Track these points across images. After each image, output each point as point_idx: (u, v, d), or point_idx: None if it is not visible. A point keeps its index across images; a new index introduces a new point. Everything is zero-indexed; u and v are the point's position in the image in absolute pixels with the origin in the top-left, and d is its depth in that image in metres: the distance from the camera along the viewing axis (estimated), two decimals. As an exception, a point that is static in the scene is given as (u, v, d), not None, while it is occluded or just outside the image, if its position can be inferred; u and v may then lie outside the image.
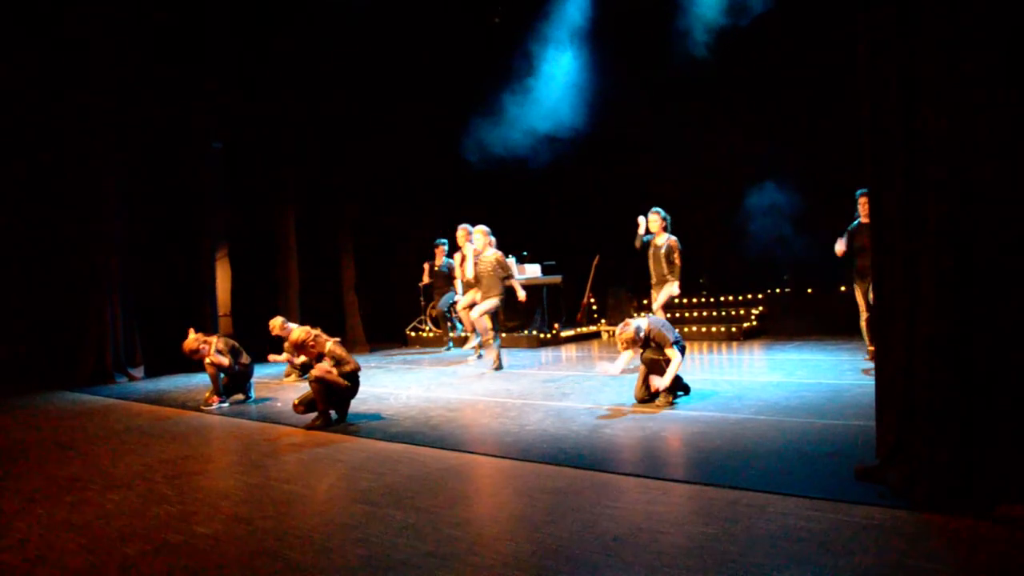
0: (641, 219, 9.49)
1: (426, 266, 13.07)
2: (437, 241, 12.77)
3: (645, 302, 13.31)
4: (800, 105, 12.29)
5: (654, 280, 9.53)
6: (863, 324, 8.56)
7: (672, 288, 9.34)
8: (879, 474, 3.96)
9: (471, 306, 10.14)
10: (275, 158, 13.60)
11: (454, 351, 12.78)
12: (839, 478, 4.12)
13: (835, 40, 10.48)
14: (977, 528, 3.33)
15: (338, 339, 6.92)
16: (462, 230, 10.67)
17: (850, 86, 5.46)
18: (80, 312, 11.36)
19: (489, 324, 9.85)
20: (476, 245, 10.16)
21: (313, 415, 6.77)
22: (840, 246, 8.55)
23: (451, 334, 13.09)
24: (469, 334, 11.52)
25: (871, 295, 8.23)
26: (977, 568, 2.99)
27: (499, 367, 9.92)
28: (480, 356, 11.07)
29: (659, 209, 9.44)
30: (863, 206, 8.24)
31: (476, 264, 10.12)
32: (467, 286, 10.71)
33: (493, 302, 9.85)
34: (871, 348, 8.35)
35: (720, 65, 12.67)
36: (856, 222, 8.49)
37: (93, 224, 11.37)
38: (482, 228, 10.15)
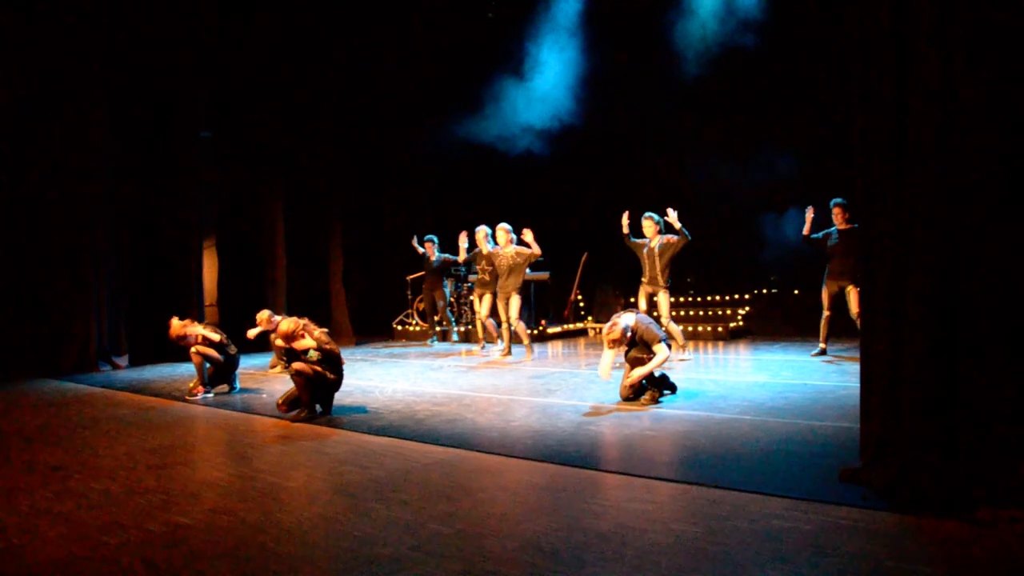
0: (643, 221, 9.61)
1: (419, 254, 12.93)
2: (427, 237, 12.72)
3: (632, 300, 13.32)
4: (794, 106, 12.31)
5: (646, 278, 9.63)
6: (823, 322, 9.14)
7: (665, 296, 9.47)
8: (863, 476, 3.98)
9: (493, 313, 10.72)
10: (264, 148, 13.52)
11: (438, 345, 12.80)
12: (823, 479, 4.14)
13: (835, 39, 10.53)
14: (960, 531, 3.36)
15: (325, 329, 6.93)
16: (480, 231, 10.92)
17: (848, 88, 5.47)
18: (65, 300, 11.25)
19: (524, 328, 10.42)
20: (499, 242, 10.40)
21: (297, 411, 6.74)
22: (806, 228, 9.24)
23: (449, 327, 13.14)
24: (493, 335, 11.58)
25: (852, 299, 8.56)
26: (959, 571, 3.02)
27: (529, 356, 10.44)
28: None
29: (652, 214, 9.57)
30: (836, 215, 9.00)
31: (495, 259, 10.45)
32: (481, 284, 11.13)
33: (518, 301, 10.29)
34: (823, 345, 9.19)
35: (718, 64, 12.68)
36: (833, 228, 9.11)
37: (78, 212, 11.25)
38: (504, 226, 10.38)
